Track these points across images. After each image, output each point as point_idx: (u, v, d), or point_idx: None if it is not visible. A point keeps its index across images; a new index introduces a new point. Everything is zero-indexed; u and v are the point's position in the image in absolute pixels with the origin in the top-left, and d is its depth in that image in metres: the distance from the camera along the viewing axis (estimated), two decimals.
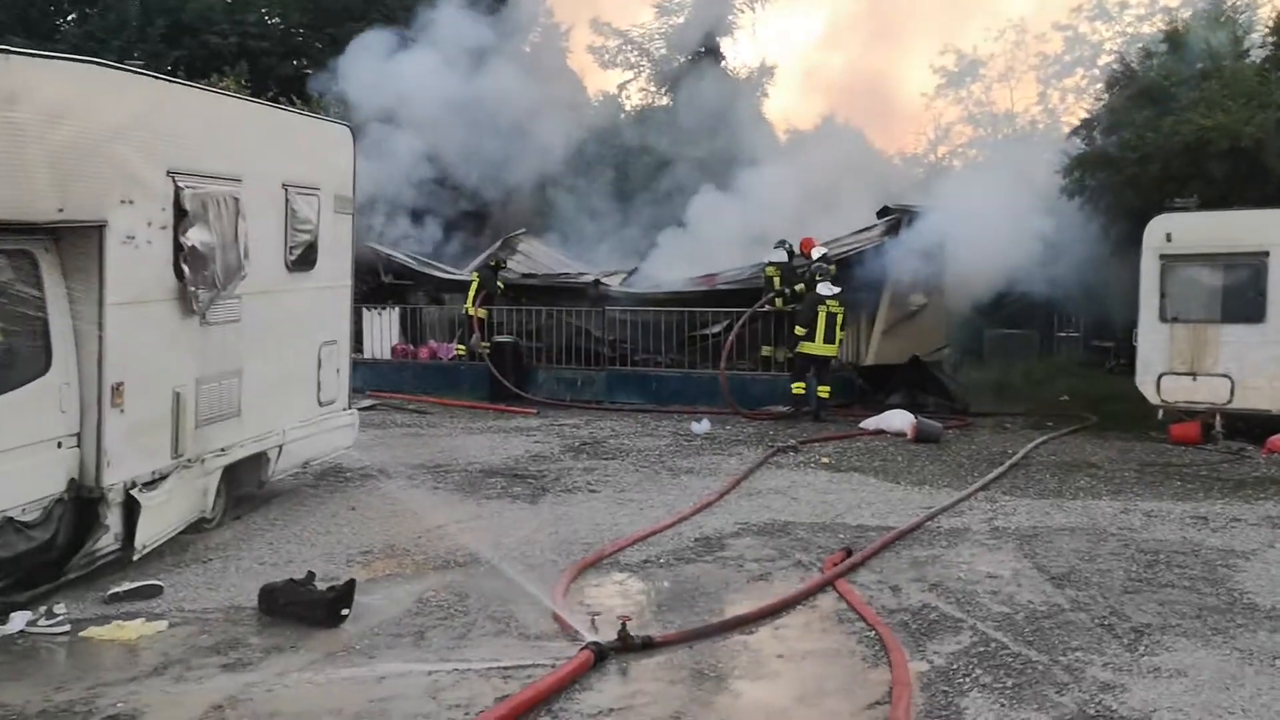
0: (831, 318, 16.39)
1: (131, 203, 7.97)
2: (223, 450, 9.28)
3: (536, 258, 22.95)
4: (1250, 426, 14.35)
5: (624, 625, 6.68)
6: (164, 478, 8.48)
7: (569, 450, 14.00)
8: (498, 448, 14.15)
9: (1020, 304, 24.79)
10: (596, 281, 19.81)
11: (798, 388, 16.48)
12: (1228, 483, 11.99)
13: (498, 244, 22.51)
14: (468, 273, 20.79)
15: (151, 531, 8.32)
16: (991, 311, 23.85)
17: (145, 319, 8.21)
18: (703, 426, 15.38)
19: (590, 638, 6.62)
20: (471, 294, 19.68)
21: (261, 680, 6.26)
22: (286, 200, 10.08)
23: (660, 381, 18.28)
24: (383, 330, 20.86)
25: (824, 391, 16.36)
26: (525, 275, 21.04)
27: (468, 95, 23.44)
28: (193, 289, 8.59)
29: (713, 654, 6.75)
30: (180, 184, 8.43)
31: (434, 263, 21.78)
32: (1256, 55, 17.64)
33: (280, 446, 10.21)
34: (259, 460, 10.01)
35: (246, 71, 25.97)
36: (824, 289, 16.31)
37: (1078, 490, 11.63)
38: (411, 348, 20.71)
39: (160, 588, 7.84)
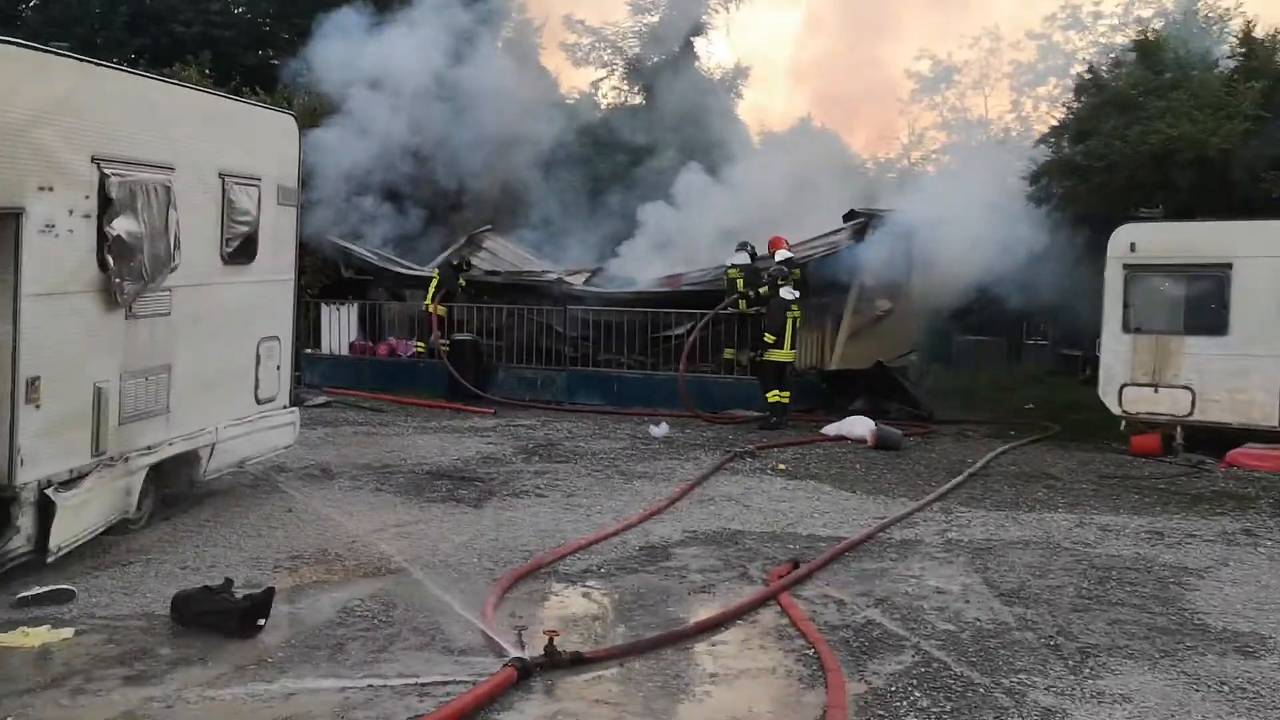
0: (793, 323, 16.13)
1: (51, 190, 7.62)
2: (149, 448, 8.93)
3: (502, 255, 22.57)
4: (1212, 439, 14.21)
5: (551, 640, 6.40)
6: (83, 477, 8.13)
7: (522, 452, 13.70)
8: (449, 448, 13.83)
9: (989, 311, 24.69)
10: (560, 280, 19.49)
11: (776, 396, 16.07)
12: (1185, 497, 11.82)
13: (462, 240, 22.16)
14: (430, 269, 20.44)
15: (67, 533, 7.96)
16: (960, 318, 23.71)
17: (65, 311, 7.86)
18: (661, 430, 15.12)
19: (514, 653, 6.33)
20: (431, 291, 19.34)
21: (163, 695, 5.94)
22: (224, 190, 9.73)
23: (622, 383, 17.99)
24: (341, 326, 20.51)
25: (785, 397, 16.09)
26: (489, 272, 20.70)
27: (438, 88, 23.06)
28: (117, 280, 8.24)
29: (644, 671, 6.48)
30: (106, 171, 8.08)
31: (395, 258, 21.38)
32: (1225, 66, 17.50)
33: (213, 445, 9.86)
34: (190, 459, 9.67)
35: (211, 61, 25.48)
36: (786, 293, 16.06)
37: (1034, 502, 11.42)
38: (370, 344, 20.36)
39: (72, 592, 7.50)
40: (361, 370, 19.91)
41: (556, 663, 6.32)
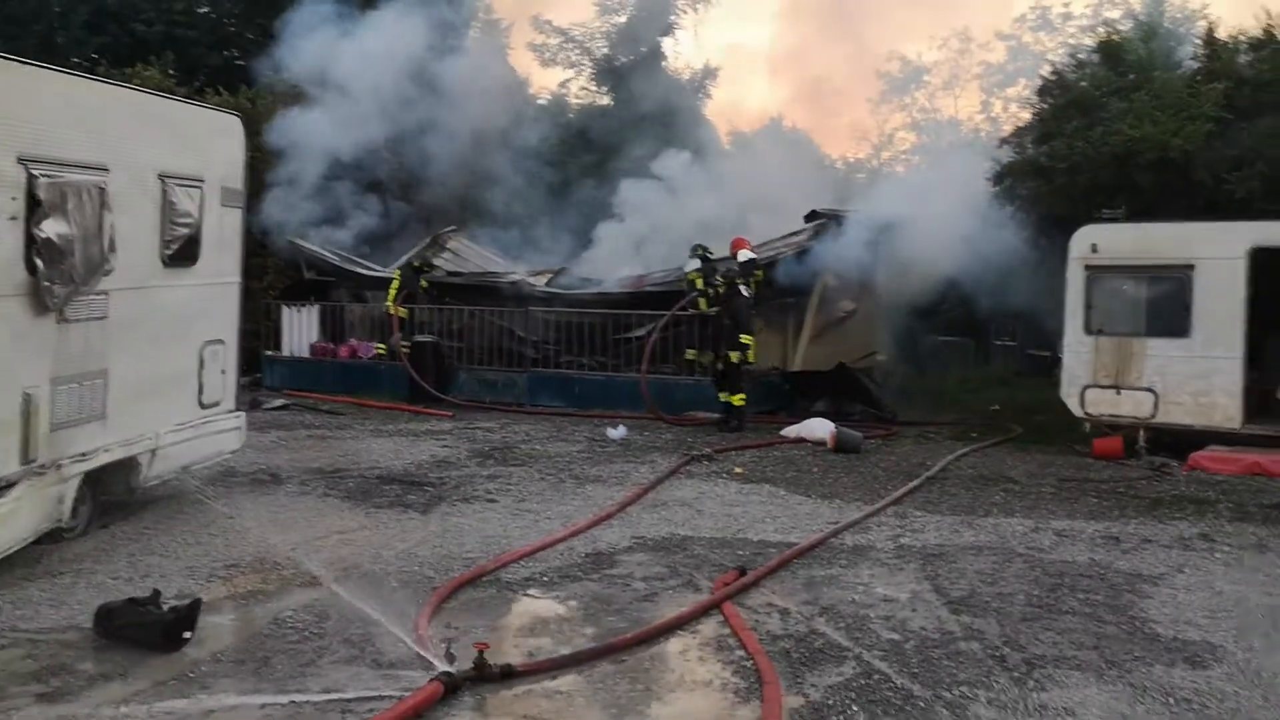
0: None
1: None
2: (84, 455, 8.71)
3: (467, 256, 22.36)
4: (1176, 441, 14.16)
5: (481, 653, 6.24)
6: (11, 485, 7.91)
7: (476, 455, 13.52)
8: (403, 452, 13.64)
9: (956, 311, 24.66)
10: (521, 281, 19.31)
11: (740, 399, 15.96)
12: (1144, 501, 11.73)
13: (426, 241, 21.94)
14: (391, 270, 20.23)
15: None
16: (928, 318, 23.66)
17: None
18: (619, 432, 14.96)
19: (442, 667, 6.16)
20: (392, 292, 19.13)
21: (76, 713, 5.75)
22: (163, 191, 9.52)
23: (583, 384, 17.83)
24: (302, 328, 20.28)
25: (739, 399, 15.92)
26: (451, 274, 20.50)
27: (405, 87, 22.83)
28: (47, 284, 8.03)
29: (577, 685, 6.32)
30: (34, 172, 7.86)
31: (357, 259, 21.18)
32: (1188, 67, 17.46)
33: (154, 451, 9.64)
34: (129, 465, 9.45)
35: (174, 61, 25.15)
36: (746, 292, 15.92)
37: (991, 506, 11.32)
38: (331, 346, 20.13)
39: None
40: (322, 372, 19.70)
41: (486, 676, 6.16)
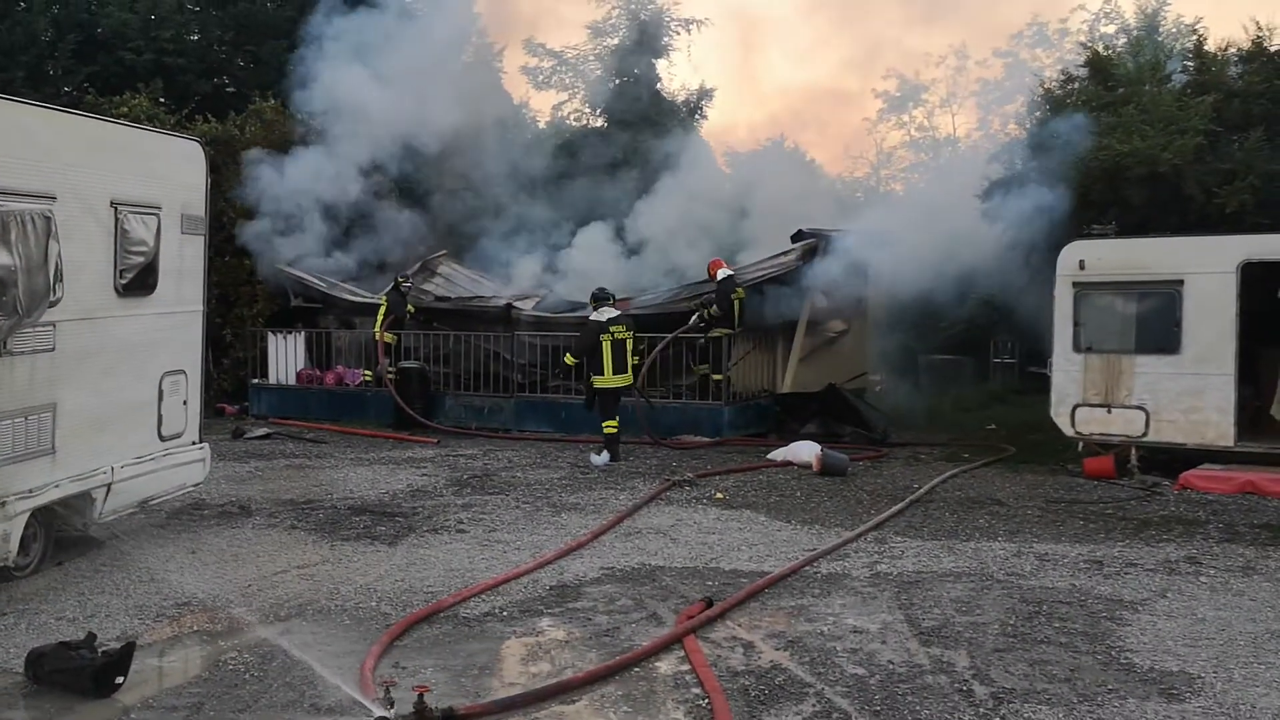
0: (619, 345, 14.95)
1: None
2: (30, 492, 8.48)
3: (457, 280, 22.17)
4: (1169, 460, 13.86)
5: (421, 696, 5.97)
6: None
7: (454, 484, 13.27)
8: (380, 481, 13.40)
9: (953, 330, 24.41)
10: (509, 305, 19.10)
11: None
12: (1131, 522, 11.43)
13: (415, 266, 21.75)
14: (378, 296, 20.03)
15: None
16: (924, 337, 23.40)
17: None
18: (602, 458, 14.69)
19: (379, 712, 5.90)
20: (379, 318, 18.93)
21: None
22: (117, 220, 9.32)
23: (570, 410, 17.55)
24: (288, 355, 20.08)
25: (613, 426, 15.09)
26: (438, 299, 20.30)
27: (397, 112, 22.69)
28: None
29: None
30: None
31: (344, 285, 20.98)
32: (1177, 80, 17.26)
33: (108, 485, 9.40)
34: (82, 501, 9.21)
35: (163, 89, 25.08)
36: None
37: (974, 530, 11.02)
38: (318, 373, 19.93)
39: None
40: (308, 400, 19.51)
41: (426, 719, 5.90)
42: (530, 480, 13.54)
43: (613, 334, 14.88)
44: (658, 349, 16.64)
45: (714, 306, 16.59)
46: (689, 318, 16.99)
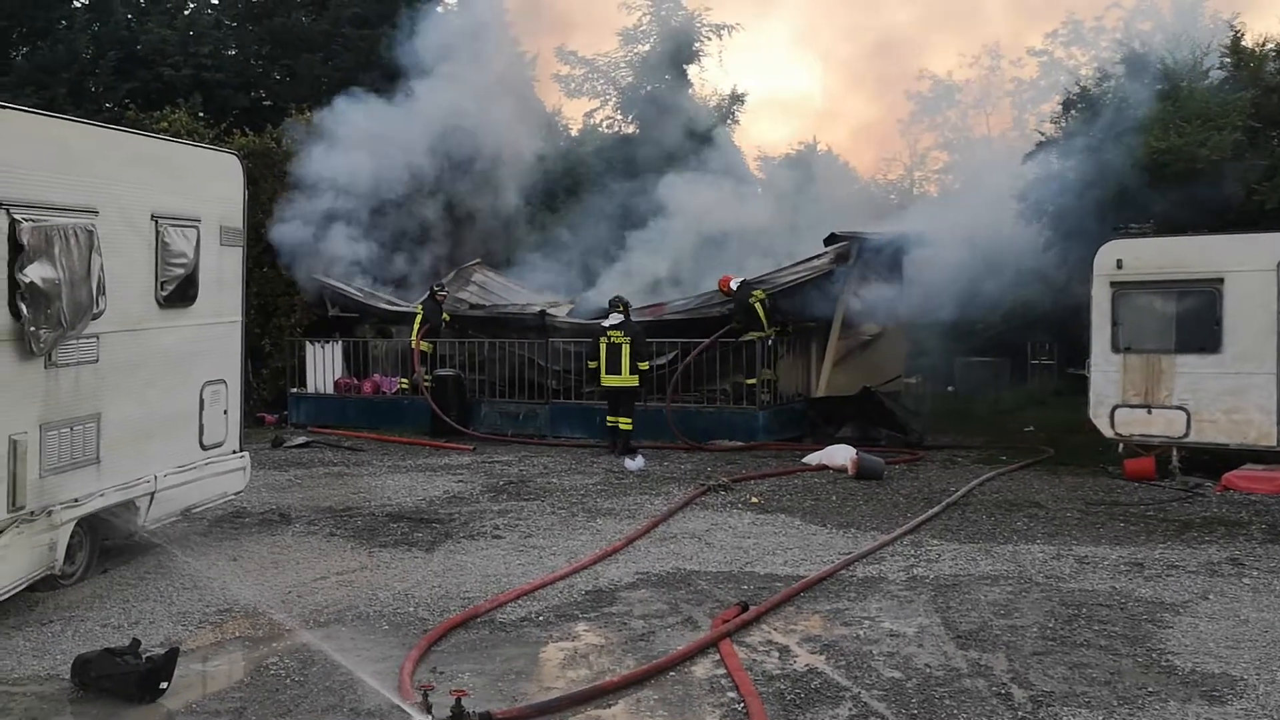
0: (614, 348, 16.11)
1: None
2: (76, 501, 8.62)
3: (491, 288, 22.31)
4: (1212, 461, 13.71)
5: (459, 700, 6.02)
6: None
7: (490, 490, 13.35)
8: (417, 488, 13.50)
9: (991, 331, 24.21)
10: (542, 312, 19.18)
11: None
12: (1173, 524, 11.31)
13: (451, 274, 21.92)
14: (414, 305, 20.20)
15: None
16: (962, 339, 23.24)
17: None
18: (637, 463, 14.74)
19: (418, 715, 5.96)
20: (416, 326, 19.10)
21: None
22: (157, 233, 9.48)
23: (604, 415, 17.59)
24: (326, 364, 20.28)
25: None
26: (473, 306, 20.44)
27: (432, 121, 22.85)
28: (33, 329, 7.97)
29: None
30: (16, 217, 7.83)
31: (380, 295, 21.17)
32: (1214, 76, 17.03)
33: (152, 494, 9.55)
34: (127, 509, 9.36)
35: (201, 104, 25.44)
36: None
37: (1012, 533, 10.95)
38: (355, 381, 20.12)
39: None
40: (346, 408, 19.71)
41: None
42: (565, 486, 13.60)
43: (609, 338, 16.13)
44: (684, 361, 16.75)
45: (735, 320, 16.87)
46: (720, 322, 17.03)
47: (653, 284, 20.49)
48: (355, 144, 21.79)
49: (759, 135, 59.70)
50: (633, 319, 16.64)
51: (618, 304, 16.60)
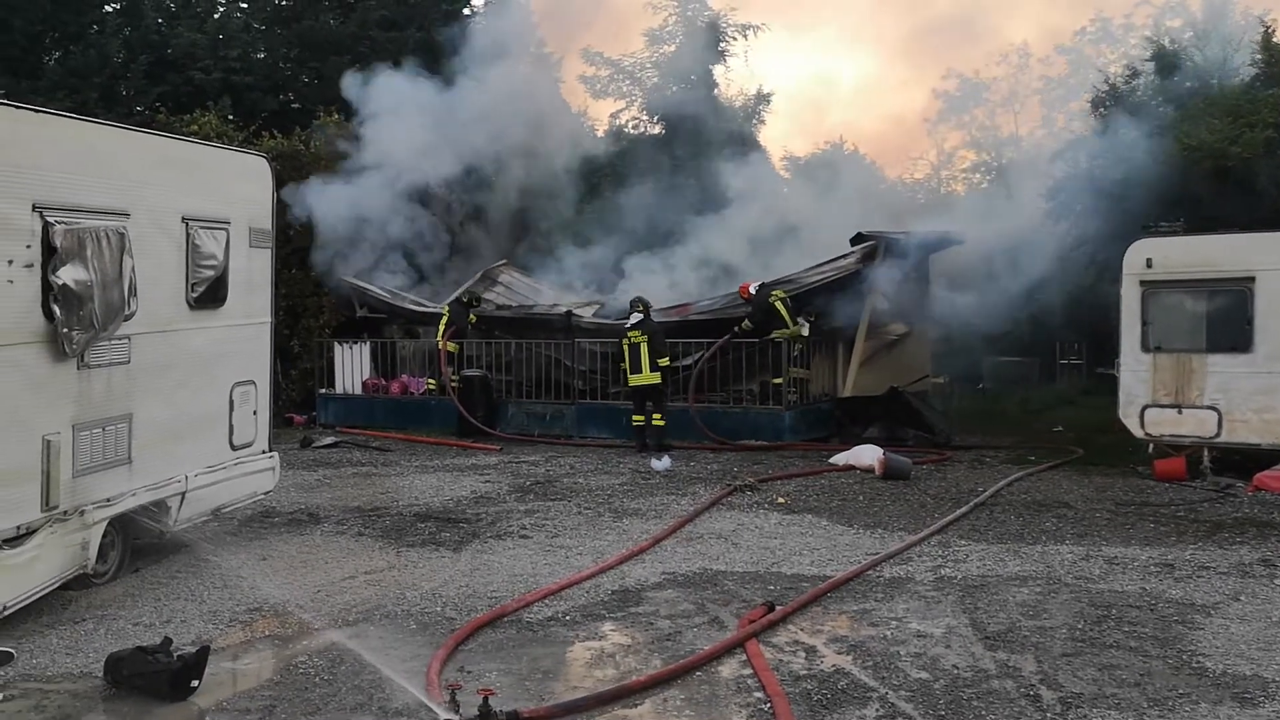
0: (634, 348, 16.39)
1: None
2: (109, 500, 8.72)
3: (517, 289, 22.36)
4: (1244, 461, 13.58)
5: (486, 699, 6.05)
6: (32, 532, 7.93)
7: (517, 490, 13.39)
8: (444, 488, 13.56)
9: (1019, 331, 24.07)
10: (568, 313, 19.23)
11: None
12: (1204, 525, 11.22)
13: (477, 276, 21.99)
14: (441, 306, 20.28)
15: (15, 591, 7.77)
16: (990, 339, 23.12)
17: (7, 363, 7.68)
18: (664, 463, 14.75)
19: (445, 714, 5.99)
20: (442, 327, 19.18)
21: None
22: (187, 235, 9.57)
23: (631, 415, 17.62)
24: (354, 365, 20.40)
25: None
26: (499, 307, 20.51)
27: (457, 122, 22.93)
28: (65, 330, 8.06)
29: None
30: (50, 219, 7.92)
31: (408, 296, 21.27)
32: (1245, 73, 16.91)
33: (183, 494, 9.64)
34: (158, 509, 9.45)
35: (230, 107, 25.62)
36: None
37: (1040, 534, 10.89)
38: (383, 382, 20.23)
39: (11, 655, 7.26)
40: (374, 409, 19.82)
41: None
42: (592, 486, 13.63)
43: (629, 338, 16.44)
44: (696, 365, 16.77)
45: (745, 321, 16.92)
46: (743, 323, 17.06)
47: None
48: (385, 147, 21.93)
49: (784, 135, 59.57)
50: (653, 318, 16.69)
51: (638, 304, 16.80)
